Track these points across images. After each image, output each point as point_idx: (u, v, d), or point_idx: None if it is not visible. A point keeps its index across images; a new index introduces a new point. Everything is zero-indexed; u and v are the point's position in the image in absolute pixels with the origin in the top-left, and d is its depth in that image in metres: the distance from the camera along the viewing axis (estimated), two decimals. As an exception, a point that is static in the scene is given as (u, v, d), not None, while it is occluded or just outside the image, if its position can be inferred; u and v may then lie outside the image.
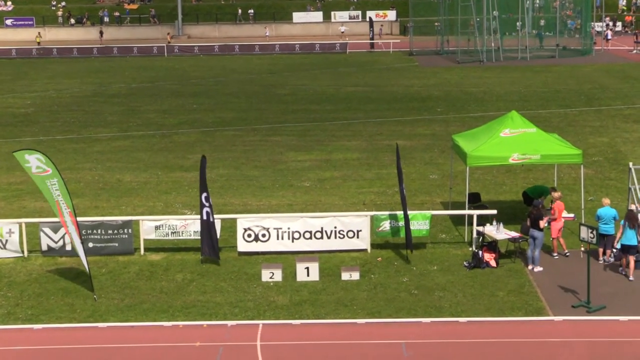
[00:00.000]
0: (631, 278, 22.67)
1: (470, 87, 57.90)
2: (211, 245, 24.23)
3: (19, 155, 21.97)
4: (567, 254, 24.18)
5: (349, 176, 33.87)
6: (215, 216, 25.43)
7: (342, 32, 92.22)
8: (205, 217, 24.14)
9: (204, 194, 24.19)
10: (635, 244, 22.71)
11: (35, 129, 46.06)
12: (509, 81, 60.19)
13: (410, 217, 24.78)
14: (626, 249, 22.78)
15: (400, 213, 24.73)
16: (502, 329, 19.98)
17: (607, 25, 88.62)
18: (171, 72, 70.45)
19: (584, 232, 20.99)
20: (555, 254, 24.31)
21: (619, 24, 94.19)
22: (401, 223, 24.68)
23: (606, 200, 23.94)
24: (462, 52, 73.53)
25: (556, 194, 24.67)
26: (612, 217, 23.55)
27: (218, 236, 24.94)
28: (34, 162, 21.78)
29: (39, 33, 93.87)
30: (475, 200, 27.68)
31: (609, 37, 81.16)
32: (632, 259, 22.74)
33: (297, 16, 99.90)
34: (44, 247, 24.86)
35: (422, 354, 18.70)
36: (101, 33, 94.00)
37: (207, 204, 24.17)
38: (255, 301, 21.67)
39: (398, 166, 24.87)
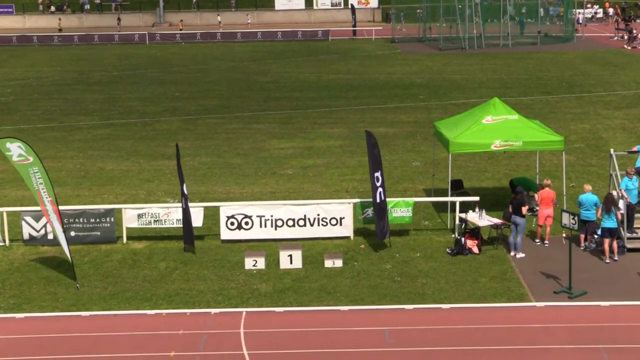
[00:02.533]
0: (616, 258, 22.81)
1: (453, 74, 57.98)
2: (189, 233, 24.23)
3: (0, 143, 21.85)
4: (547, 244, 24.28)
5: (331, 163, 33.88)
6: (198, 204, 25.48)
7: (219, 23, 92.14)
8: (184, 206, 24.11)
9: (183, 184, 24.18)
10: (614, 226, 22.84)
11: (16, 117, 45.78)
12: (491, 68, 60.31)
13: (393, 204, 24.80)
14: (605, 232, 22.87)
15: (387, 200, 24.60)
16: (484, 315, 20.07)
17: (596, 13, 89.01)
18: (153, 59, 70.13)
19: (566, 219, 21.09)
20: (537, 241, 24.43)
21: (599, 10, 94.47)
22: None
23: (588, 187, 24.07)
24: (444, 39, 73.58)
25: (545, 182, 24.72)
26: (594, 203, 23.68)
27: (201, 224, 24.95)
28: (15, 150, 21.67)
29: (59, 19, 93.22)
30: (457, 187, 27.75)
31: (580, 21, 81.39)
32: (614, 241, 22.87)
33: (279, 3, 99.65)
34: (26, 236, 24.76)
35: (405, 340, 18.76)
36: (119, 20, 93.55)
37: (185, 193, 24.16)
38: (239, 289, 21.68)
39: (369, 154, 24.56)
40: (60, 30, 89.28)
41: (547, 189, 24.31)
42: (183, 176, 24.34)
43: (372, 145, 24.19)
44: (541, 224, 24.33)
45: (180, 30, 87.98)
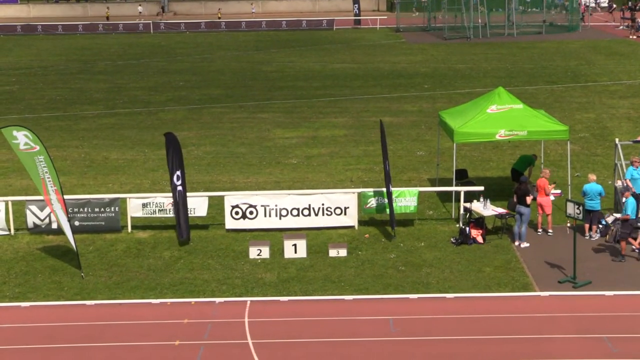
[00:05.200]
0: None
1: (457, 63, 57.87)
2: (186, 225, 24.23)
3: (7, 131, 21.88)
4: (550, 233, 24.24)
5: (336, 153, 33.87)
6: (202, 193, 25.55)
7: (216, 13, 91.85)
8: (179, 198, 24.06)
9: (177, 173, 24.11)
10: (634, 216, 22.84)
11: (21, 106, 45.83)
12: (496, 57, 60.18)
13: (397, 193, 24.82)
14: None
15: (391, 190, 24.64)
16: (488, 304, 20.08)
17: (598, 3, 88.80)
18: (157, 49, 70.10)
19: (571, 208, 21.07)
20: (539, 230, 24.40)
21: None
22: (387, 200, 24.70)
23: (592, 176, 24.03)
24: (449, 29, 73.46)
25: (544, 171, 24.73)
26: (598, 193, 23.64)
27: (205, 214, 24.99)
28: (22, 138, 21.69)
29: (107, 7, 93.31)
30: (462, 177, 27.74)
31: (588, 4, 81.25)
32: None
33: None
34: (30, 225, 24.79)
35: (409, 329, 18.78)
36: (163, 9, 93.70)
37: (178, 183, 24.12)
38: (243, 278, 21.70)
39: (383, 143, 24.77)
40: (107, 18, 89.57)
41: (543, 178, 24.30)
42: (174, 167, 24.15)
43: (382, 134, 24.34)
44: (540, 212, 24.32)
45: (219, 18, 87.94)
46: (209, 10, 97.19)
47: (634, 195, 23.56)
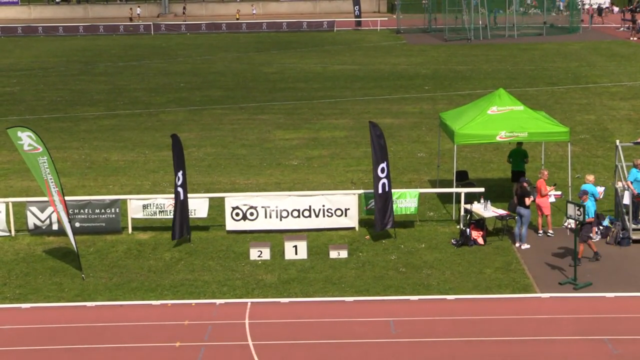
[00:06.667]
0: None
1: (458, 64, 57.89)
2: (187, 224, 24.24)
3: (12, 132, 21.90)
4: (551, 234, 24.21)
5: (336, 154, 33.87)
6: (203, 195, 25.54)
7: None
8: (182, 197, 24.02)
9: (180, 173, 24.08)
10: None
11: (22, 107, 45.84)
12: (497, 59, 60.19)
13: (398, 195, 24.79)
14: None
15: (392, 191, 24.54)
16: (489, 306, 20.07)
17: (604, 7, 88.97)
18: (158, 50, 70.13)
19: (571, 210, 21.05)
20: (539, 232, 24.39)
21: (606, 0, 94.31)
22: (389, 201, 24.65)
23: (589, 177, 23.93)
24: (450, 30, 73.48)
25: (542, 172, 24.72)
26: (591, 194, 23.52)
27: (206, 215, 24.99)
28: (25, 139, 21.71)
29: (130, 9, 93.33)
30: (462, 178, 27.72)
31: (591, 5, 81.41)
32: None
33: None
34: (31, 226, 24.80)
35: (410, 331, 18.77)
36: (184, 8, 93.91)
37: (179, 184, 24.09)
38: (244, 280, 21.70)
39: (374, 144, 24.43)
40: (131, 19, 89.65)
41: (541, 179, 24.28)
42: (178, 169, 24.10)
43: (377, 135, 24.12)
44: (540, 213, 24.31)
45: (237, 19, 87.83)
46: (210, 11, 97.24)
47: (635, 197, 23.57)
